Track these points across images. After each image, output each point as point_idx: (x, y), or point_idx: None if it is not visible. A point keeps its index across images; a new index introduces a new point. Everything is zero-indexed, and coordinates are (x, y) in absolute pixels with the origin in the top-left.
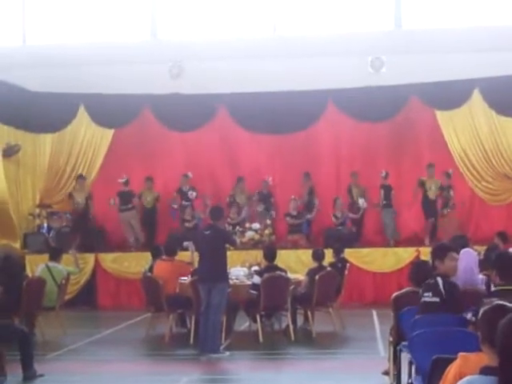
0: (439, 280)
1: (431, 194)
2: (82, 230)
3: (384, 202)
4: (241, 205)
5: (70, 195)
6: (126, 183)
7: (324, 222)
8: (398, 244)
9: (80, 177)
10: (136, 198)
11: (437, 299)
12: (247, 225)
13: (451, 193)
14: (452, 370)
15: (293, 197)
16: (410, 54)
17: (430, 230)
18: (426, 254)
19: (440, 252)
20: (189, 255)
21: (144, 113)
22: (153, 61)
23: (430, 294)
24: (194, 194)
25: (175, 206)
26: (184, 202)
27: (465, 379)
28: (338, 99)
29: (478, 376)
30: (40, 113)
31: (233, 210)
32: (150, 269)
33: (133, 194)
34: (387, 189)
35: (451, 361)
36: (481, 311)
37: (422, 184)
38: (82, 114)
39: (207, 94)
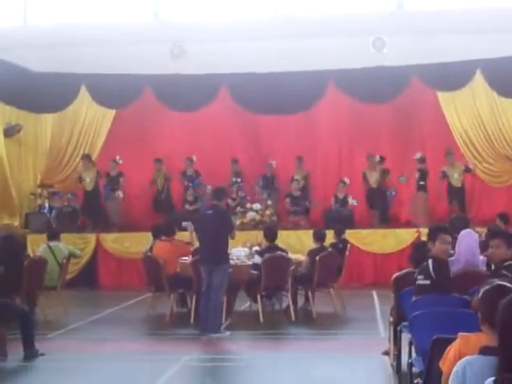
0: (430, 262)
1: (455, 182)
2: (93, 210)
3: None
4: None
5: (80, 177)
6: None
7: (324, 204)
8: (398, 225)
9: (85, 157)
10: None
11: (427, 282)
12: (248, 205)
13: None
14: (452, 350)
15: (295, 177)
16: (412, 35)
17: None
18: (426, 235)
19: (432, 234)
20: (188, 235)
21: (145, 93)
22: (154, 41)
23: (422, 276)
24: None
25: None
26: (188, 184)
27: (464, 359)
28: (339, 80)
29: (478, 356)
30: (41, 93)
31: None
32: (151, 249)
33: (121, 175)
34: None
35: (451, 341)
36: (481, 291)
37: (445, 175)
38: (84, 94)
39: (208, 75)
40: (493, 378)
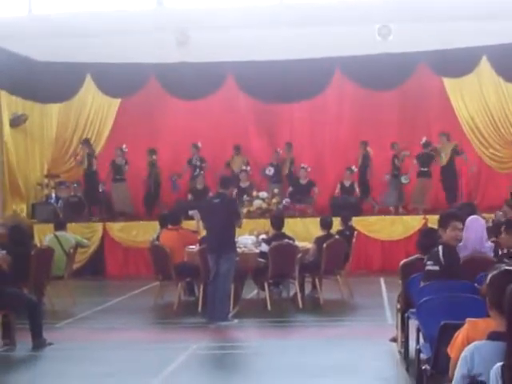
0: (440, 248)
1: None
2: (92, 198)
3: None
4: (236, 172)
5: (79, 159)
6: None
7: (331, 191)
8: (406, 212)
9: (84, 141)
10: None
11: (437, 268)
12: (255, 193)
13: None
14: (460, 335)
15: (302, 165)
16: (418, 22)
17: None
18: (433, 221)
19: (443, 221)
20: (194, 224)
21: (151, 82)
22: (159, 29)
23: (432, 262)
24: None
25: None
26: (197, 171)
27: (472, 344)
28: (345, 67)
29: (486, 341)
30: (47, 82)
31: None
32: (158, 238)
33: (126, 165)
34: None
35: (459, 327)
36: (488, 276)
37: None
38: (89, 84)
39: (214, 63)
40: (501, 363)
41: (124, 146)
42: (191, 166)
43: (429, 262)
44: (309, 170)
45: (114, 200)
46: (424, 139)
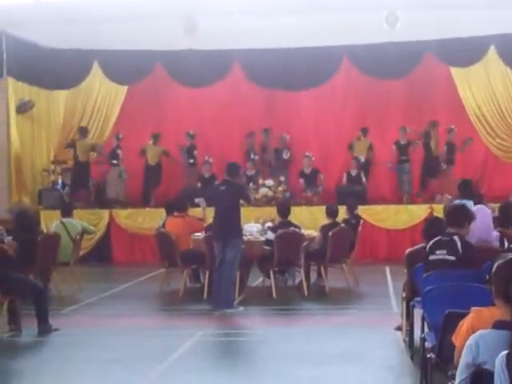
0: (457, 239)
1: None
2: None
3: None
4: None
5: (70, 143)
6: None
7: (337, 179)
8: (411, 201)
9: (81, 129)
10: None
11: (452, 257)
12: (261, 181)
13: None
14: (465, 324)
15: (307, 154)
16: (426, 10)
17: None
18: (438, 210)
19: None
20: (200, 211)
21: (157, 69)
22: (166, 16)
23: (445, 251)
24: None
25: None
26: (207, 158)
27: (477, 333)
28: (352, 55)
29: (491, 330)
30: (54, 69)
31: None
32: (164, 225)
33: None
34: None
35: (464, 315)
36: (494, 266)
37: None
38: (96, 71)
39: (221, 50)
40: (506, 352)
41: (120, 134)
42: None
43: (439, 251)
44: (313, 158)
45: (107, 186)
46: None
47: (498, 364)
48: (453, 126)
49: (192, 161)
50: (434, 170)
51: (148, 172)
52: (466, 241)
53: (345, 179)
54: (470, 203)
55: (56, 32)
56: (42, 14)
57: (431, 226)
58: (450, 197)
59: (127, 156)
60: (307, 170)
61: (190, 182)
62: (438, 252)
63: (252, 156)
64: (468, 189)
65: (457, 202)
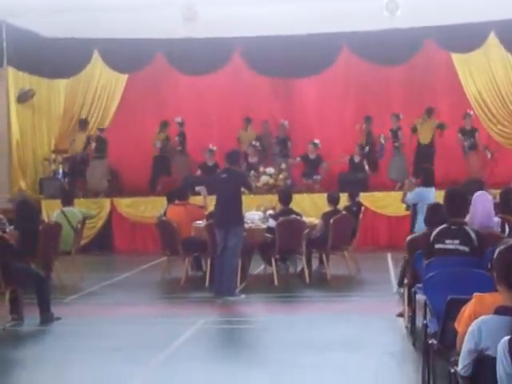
0: (469, 230)
1: (423, 139)
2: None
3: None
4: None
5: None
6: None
7: (338, 167)
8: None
9: (81, 121)
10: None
11: (466, 248)
12: (261, 169)
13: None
14: (467, 310)
15: (315, 141)
16: None
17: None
18: (440, 196)
19: None
20: (201, 199)
21: (157, 57)
22: (166, 5)
23: (458, 241)
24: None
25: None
26: (211, 147)
27: (480, 319)
28: (352, 42)
29: (493, 316)
30: (54, 58)
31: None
32: (165, 213)
33: (106, 142)
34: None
35: (466, 301)
36: (496, 251)
37: (414, 130)
38: (96, 59)
39: (221, 38)
40: (508, 337)
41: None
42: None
43: (448, 241)
44: (319, 146)
45: (88, 177)
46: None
47: (501, 349)
48: (470, 112)
49: (180, 148)
50: (425, 157)
51: (156, 160)
52: (478, 231)
53: (348, 164)
54: (431, 190)
55: (56, 21)
56: (42, 3)
57: (434, 212)
58: (414, 181)
59: (128, 145)
60: (312, 156)
61: (182, 169)
62: (447, 241)
63: (254, 143)
64: (429, 176)
65: (417, 189)
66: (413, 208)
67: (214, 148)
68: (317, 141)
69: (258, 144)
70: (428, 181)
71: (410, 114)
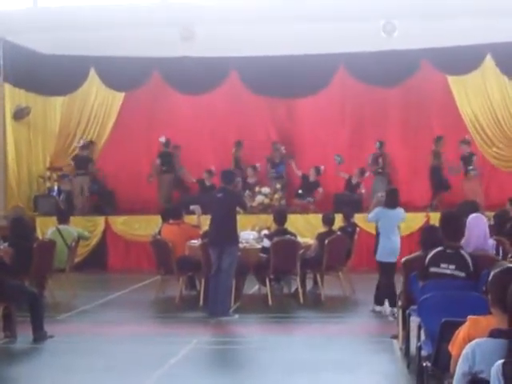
0: (465, 254)
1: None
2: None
3: (380, 171)
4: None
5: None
6: (167, 144)
7: (333, 187)
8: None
9: (92, 143)
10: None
11: (462, 273)
12: (257, 189)
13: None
14: (461, 332)
15: (321, 167)
16: (423, 19)
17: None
18: (435, 219)
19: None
20: (195, 218)
21: (154, 76)
22: (164, 23)
23: (454, 266)
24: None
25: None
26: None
27: (474, 342)
28: (349, 63)
29: (488, 339)
30: (51, 75)
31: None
32: (160, 232)
33: (88, 160)
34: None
35: (460, 324)
36: (491, 274)
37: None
38: (93, 77)
39: (217, 58)
40: (502, 361)
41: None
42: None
43: (444, 265)
44: (321, 173)
45: (75, 195)
46: (466, 137)
47: (494, 372)
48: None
49: (165, 168)
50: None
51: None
52: (474, 256)
53: (344, 184)
54: (394, 212)
55: (53, 38)
56: (40, 21)
57: (429, 235)
58: (383, 196)
59: (124, 163)
60: (312, 179)
61: (167, 189)
62: (443, 265)
63: (257, 165)
64: (392, 198)
65: (377, 208)
66: (376, 226)
67: (214, 169)
68: (321, 167)
69: (258, 165)
70: (390, 202)
71: (405, 135)
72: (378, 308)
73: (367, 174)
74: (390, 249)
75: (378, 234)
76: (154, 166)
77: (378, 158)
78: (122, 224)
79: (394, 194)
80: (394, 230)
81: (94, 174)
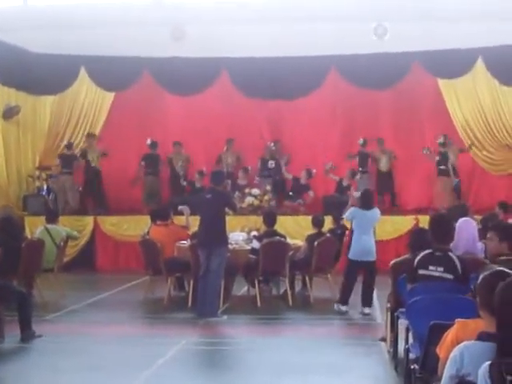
0: (454, 257)
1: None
2: (95, 191)
3: (361, 169)
4: (228, 168)
5: (83, 154)
6: (153, 146)
7: (324, 189)
8: (395, 212)
9: (90, 135)
10: (77, 161)
11: (450, 276)
12: (247, 190)
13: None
14: (449, 335)
15: (314, 170)
16: (414, 22)
17: None
18: (424, 222)
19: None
20: (184, 219)
21: (145, 76)
22: (155, 24)
23: (442, 269)
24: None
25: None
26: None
27: (462, 344)
28: (340, 65)
29: (476, 341)
30: (41, 74)
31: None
32: (149, 232)
33: (74, 158)
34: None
35: (448, 327)
36: (480, 277)
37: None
38: (83, 76)
39: (208, 58)
40: (489, 362)
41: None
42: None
43: (432, 267)
44: (313, 176)
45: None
46: (441, 137)
47: (481, 374)
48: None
49: (149, 170)
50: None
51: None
52: (463, 259)
53: (335, 186)
54: (367, 213)
55: (44, 37)
56: (30, 20)
57: (419, 237)
58: (357, 194)
59: (113, 163)
60: (303, 181)
61: (150, 191)
62: (431, 267)
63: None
64: (365, 199)
65: (352, 208)
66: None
67: (205, 170)
68: (314, 170)
69: (249, 167)
70: (364, 203)
71: (396, 138)
72: (343, 308)
73: (358, 175)
74: (361, 248)
75: (351, 233)
76: (140, 167)
77: (367, 157)
78: (111, 224)
79: (368, 195)
80: (367, 230)
81: (92, 172)
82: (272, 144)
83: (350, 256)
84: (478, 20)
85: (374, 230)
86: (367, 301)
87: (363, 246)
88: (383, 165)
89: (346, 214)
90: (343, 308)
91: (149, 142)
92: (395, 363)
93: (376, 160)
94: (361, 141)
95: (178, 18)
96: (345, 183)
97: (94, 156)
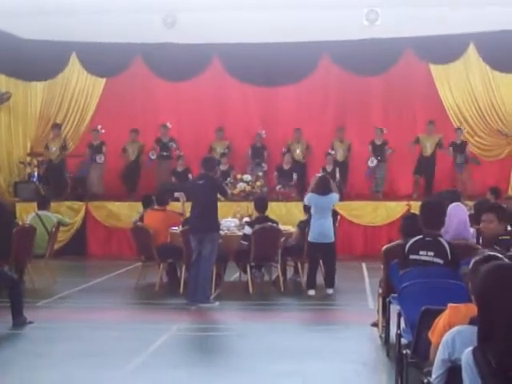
0: (444, 242)
1: (425, 151)
2: (53, 180)
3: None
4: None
5: (46, 145)
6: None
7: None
8: (388, 198)
9: (55, 126)
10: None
11: (440, 260)
12: (238, 176)
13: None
14: (441, 320)
15: (284, 150)
16: (406, 7)
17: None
18: (416, 208)
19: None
20: (179, 206)
21: (136, 62)
22: (147, 10)
23: (432, 253)
24: (174, 145)
25: (153, 157)
26: (164, 153)
27: (454, 329)
28: (332, 51)
29: (468, 326)
30: (31, 60)
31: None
32: (141, 218)
33: (103, 146)
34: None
35: (440, 312)
36: (471, 262)
37: (417, 141)
38: (74, 62)
39: (200, 44)
40: (471, 348)
41: (99, 126)
42: (160, 145)
43: (422, 252)
44: (301, 154)
45: (89, 181)
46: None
47: (465, 361)
48: (462, 127)
49: (166, 153)
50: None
51: (128, 167)
52: (452, 244)
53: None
54: (325, 198)
55: (34, 23)
56: (21, 5)
57: (410, 223)
58: (320, 175)
59: (106, 148)
60: (286, 166)
61: (163, 175)
62: (421, 252)
63: (223, 150)
64: (320, 184)
65: (309, 193)
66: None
67: (182, 153)
68: (297, 148)
69: (226, 150)
70: (319, 188)
71: (387, 123)
72: (309, 292)
73: (339, 158)
74: (319, 231)
75: (310, 217)
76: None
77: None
78: (102, 210)
79: (323, 181)
80: (324, 213)
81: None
82: (263, 132)
83: (309, 239)
84: (470, 5)
85: (335, 213)
86: (329, 282)
87: (320, 229)
88: (340, 155)
89: (305, 200)
90: (310, 292)
91: (169, 124)
92: (387, 348)
93: (334, 149)
94: (378, 130)
95: (169, 3)
96: (328, 169)
97: (55, 146)
